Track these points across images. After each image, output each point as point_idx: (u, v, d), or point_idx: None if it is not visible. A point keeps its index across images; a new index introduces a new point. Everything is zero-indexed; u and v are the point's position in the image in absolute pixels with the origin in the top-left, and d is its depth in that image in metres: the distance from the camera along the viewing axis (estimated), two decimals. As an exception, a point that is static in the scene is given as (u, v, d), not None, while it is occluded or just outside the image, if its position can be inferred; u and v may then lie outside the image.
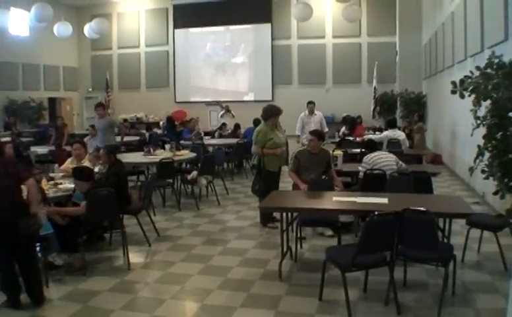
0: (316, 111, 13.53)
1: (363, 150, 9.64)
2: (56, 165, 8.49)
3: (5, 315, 5.23)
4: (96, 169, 7.79)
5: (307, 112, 13.49)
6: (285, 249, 6.34)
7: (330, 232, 7.53)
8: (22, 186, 5.48)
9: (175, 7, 24.35)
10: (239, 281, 6.00)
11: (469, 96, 4.19)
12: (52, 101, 24.66)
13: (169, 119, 17.00)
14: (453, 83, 4.34)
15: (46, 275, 5.95)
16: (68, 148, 10.41)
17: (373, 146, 8.56)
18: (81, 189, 6.59)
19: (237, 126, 15.77)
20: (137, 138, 15.63)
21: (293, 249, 6.67)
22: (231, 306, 5.28)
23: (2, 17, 16.17)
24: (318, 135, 7.96)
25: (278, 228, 7.89)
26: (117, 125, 12.82)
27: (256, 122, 11.93)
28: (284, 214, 6.44)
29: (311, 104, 13.55)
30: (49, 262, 6.31)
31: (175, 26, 24.54)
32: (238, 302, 5.36)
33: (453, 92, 4.37)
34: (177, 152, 10.91)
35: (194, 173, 10.10)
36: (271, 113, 8.34)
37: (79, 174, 6.78)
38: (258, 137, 8.22)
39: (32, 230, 5.38)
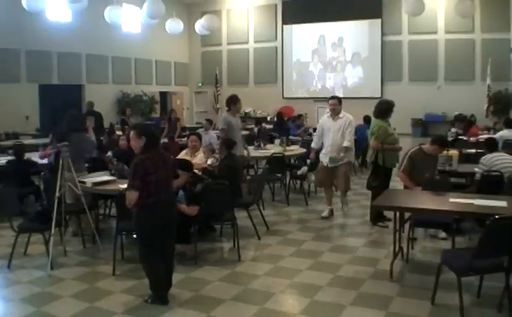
0: (343, 113, 8.77)
1: (479, 151, 9.26)
2: (171, 157, 8.76)
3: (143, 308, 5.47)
4: (209, 161, 7.97)
5: (328, 113, 8.94)
6: (397, 249, 6.22)
7: (443, 235, 7.30)
8: None
9: (284, 3, 24.38)
10: (349, 278, 5.96)
11: None
12: (163, 95, 25.52)
13: (279, 115, 17.12)
14: None
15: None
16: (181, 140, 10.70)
17: (493, 145, 8.15)
18: (180, 181, 6.66)
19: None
20: (246, 132, 15.83)
21: (405, 250, 6.52)
22: (341, 303, 5.25)
23: (115, 13, 16.68)
24: (441, 142, 7.60)
25: (388, 227, 7.81)
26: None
27: (367, 119, 11.75)
28: (397, 213, 6.30)
29: (333, 100, 8.86)
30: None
31: (284, 22, 24.56)
32: (348, 300, 5.32)
33: None
34: (287, 147, 10.93)
35: (305, 168, 10.09)
36: (387, 109, 8.17)
37: (179, 164, 6.94)
38: (380, 132, 7.99)
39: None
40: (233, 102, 9.23)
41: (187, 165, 7.08)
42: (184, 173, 6.65)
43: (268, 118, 22.51)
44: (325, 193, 9.12)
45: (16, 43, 18.07)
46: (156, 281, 5.39)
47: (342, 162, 8.60)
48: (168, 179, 5.42)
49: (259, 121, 19.35)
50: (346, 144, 8.52)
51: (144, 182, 5.13)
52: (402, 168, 7.46)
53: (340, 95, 17.84)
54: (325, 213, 8.87)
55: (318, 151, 9.10)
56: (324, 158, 8.75)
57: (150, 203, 5.17)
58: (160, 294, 5.38)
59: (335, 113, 8.68)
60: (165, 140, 12.77)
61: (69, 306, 5.41)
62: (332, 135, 8.61)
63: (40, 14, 17.11)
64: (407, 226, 6.63)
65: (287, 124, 16.32)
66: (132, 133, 5.40)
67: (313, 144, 9.28)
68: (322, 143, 8.90)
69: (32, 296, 5.63)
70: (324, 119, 8.96)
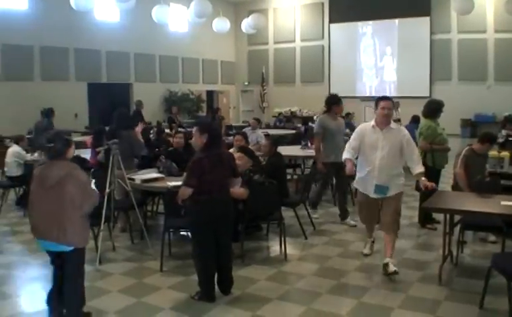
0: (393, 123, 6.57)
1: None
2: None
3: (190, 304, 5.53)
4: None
5: (373, 123, 6.31)
6: (446, 252, 6.12)
7: (493, 238, 7.14)
8: None
9: (331, 1, 24.23)
10: (397, 281, 5.86)
11: None
12: (210, 94, 25.72)
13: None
14: None
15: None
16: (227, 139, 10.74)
17: None
18: (245, 166, 6.72)
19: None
20: (293, 131, 15.81)
21: (454, 253, 6.41)
22: (389, 306, 5.19)
23: (162, 13, 16.86)
24: (490, 138, 7.44)
25: (436, 230, 7.69)
26: None
27: (416, 118, 11.57)
28: (447, 215, 6.18)
29: (387, 102, 6.26)
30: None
31: (331, 21, 24.44)
32: (396, 302, 5.25)
33: None
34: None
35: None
36: (436, 109, 8.00)
37: (245, 150, 7.14)
38: (428, 132, 7.80)
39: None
40: (335, 102, 8.44)
41: (251, 153, 7.21)
42: (248, 160, 6.87)
43: (315, 117, 22.40)
44: (366, 226, 6.89)
45: (65, 42, 18.51)
46: (204, 278, 5.42)
47: (392, 192, 6.17)
48: (224, 178, 5.43)
49: (306, 120, 19.26)
50: (419, 169, 6.09)
51: (200, 181, 5.19)
52: (459, 165, 7.26)
53: (387, 94, 17.62)
54: (366, 250, 6.86)
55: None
56: (362, 185, 6.40)
57: (202, 199, 5.23)
58: (208, 291, 5.40)
59: (387, 121, 6.13)
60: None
61: (117, 301, 5.50)
62: (380, 154, 6.08)
63: (88, 13, 17.51)
64: (456, 229, 6.51)
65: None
66: (195, 129, 5.45)
67: (347, 154, 6.31)
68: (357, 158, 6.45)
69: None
70: (366, 128, 6.28)
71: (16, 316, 5.26)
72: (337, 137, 8.33)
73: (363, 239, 7.27)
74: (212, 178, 5.23)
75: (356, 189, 6.81)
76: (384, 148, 6.06)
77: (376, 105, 6.21)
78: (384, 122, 6.10)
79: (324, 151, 8.36)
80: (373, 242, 6.86)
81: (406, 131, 6.26)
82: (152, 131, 12.94)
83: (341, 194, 8.62)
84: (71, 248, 4.67)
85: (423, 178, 6.01)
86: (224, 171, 5.40)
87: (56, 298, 4.87)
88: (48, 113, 13.08)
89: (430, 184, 5.98)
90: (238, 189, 6.09)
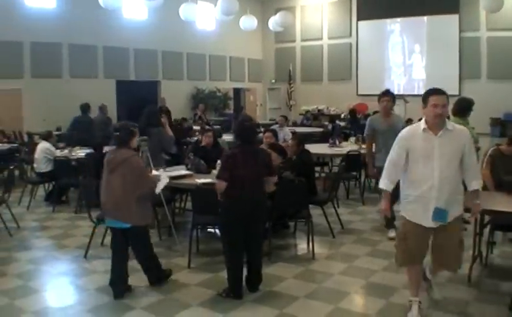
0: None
1: None
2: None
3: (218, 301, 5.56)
4: None
5: (423, 124, 4.69)
6: (476, 253, 6.05)
7: (523, 239, 6.98)
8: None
9: (360, -1, 24.16)
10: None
11: None
12: (237, 91, 25.79)
13: (352, 112, 16.94)
14: None
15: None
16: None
17: None
18: (274, 162, 6.75)
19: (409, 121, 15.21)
20: (320, 130, 15.77)
21: (484, 254, 6.32)
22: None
23: (190, 10, 16.94)
24: None
25: (466, 230, 7.58)
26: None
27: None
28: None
29: (442, 97, 4.66)
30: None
31: (359, 18, 24.31)
32: (424, 303, 5.17)
33: None
34: (363, 145, 10.76)
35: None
36: (466, 107, 7.85)
37: (275, 147, 7.21)
38: None
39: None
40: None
41: (281, 150, 7.25)
42: (277, 157, 6.89)
43: (342, 115, 22.32)
44: (410, 275, 4.96)
45: (94, 40, 18.74)
46: (232, 275, 5.45)
47: (452, 215, 4.63)
48: (257, 176, 5.44)
49: (333, 118, 19.19)
50: (477, 186, 4.76)
51: (232, 175, 5.29)
52: (484, 165, 7.15)
53: (416, 92, 17.36)
54: (413, 313, 4.84)
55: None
56: (412, 211, 4.72)
57: (233, 195, 5.33)
58: (235, 289, 5.42)
59: (441, 123, 4.56)
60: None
61: (145, 297, 5.54)
62: (439, 164, 4.51)
63: (116, 11, 17.66)
64: (486, 229, 6.42)
65: (360, 121, 16.10)
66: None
67: (385, 184, 4.83)
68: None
69: (107, 286, 5.75)
70: (414, 134, 4.69)
71: (44, 311, 5.34)
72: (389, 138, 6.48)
73: (390, 239, 7.17)
74: (244, 173, 5.29)
75: (380, 194, 5.45)
76: (442, 158, 4.52)
77: (424, 101, 4.72)
78: (437, 124, 4.55)
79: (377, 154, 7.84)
80: (420, 304, 4.88)
81: (468, 134, 4.77)
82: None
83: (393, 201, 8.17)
84: (130, 226, 5.39)
85: (477, 202, 4.80)
86: (257, 168, 5.43)
87: (119, 269, 5.55)
88: (85, 109, 13.30)
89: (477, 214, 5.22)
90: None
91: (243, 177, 5.28)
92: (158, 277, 5.81)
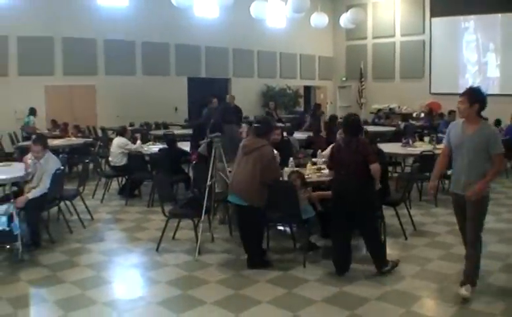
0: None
1: None
2: (319, 151, 8.72)
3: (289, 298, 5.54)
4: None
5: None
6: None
7: None
8: None
9: (433, -5, 23.56)
10: (500, 287, 5.60)
11: None
12: (307, 89, 25.69)
13: (429, 111, 16.59)
14: None
15: (304, 255, 6.32)
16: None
17: None
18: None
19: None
20: (392, 129, 15.50)
21: None
22: (491, 313, 4.95)
23: (260, 8, 16.97)
24: None
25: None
26: None
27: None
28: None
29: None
30: (309, 243, 6.62)
31: (432, 15, 23.62)
32: (498, 309, 5.00)
33: None
34: (437, 145, 10.46)
35: None
36: None
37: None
38: None
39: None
40: None
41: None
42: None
43: (414, 114, 21.85)
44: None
45: (166, 38, 19.17)
46: (333, 251, 6.16)
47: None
48: (351, 162, 5.86)
49: (405, 117, 18.81)
50: None
51: (332, 161, 6.24)
52: None
53: (489, 92, 16.81)
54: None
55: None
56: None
57: (333, 176, 6.21)
58: (337, 268, 6.01)
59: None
60: (311, 134, 12.81)
61: (214, 291, 5.60)
62: None
63: (188, 9, 17.93)
64: None
65: (435, 120, 15.75)
66: None
67: None
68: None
69: (178, 279, 5.88)
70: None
71: (115, 302, 5.46)
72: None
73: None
74: (338, 159, 6.03)
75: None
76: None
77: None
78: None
79: None
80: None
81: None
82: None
83: None
84: (247, 204, 6.10)
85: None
86: (351, 155, 5.88)
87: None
88: (207, 103, 13.71)
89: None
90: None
91: (338, 162, 6.05)
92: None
